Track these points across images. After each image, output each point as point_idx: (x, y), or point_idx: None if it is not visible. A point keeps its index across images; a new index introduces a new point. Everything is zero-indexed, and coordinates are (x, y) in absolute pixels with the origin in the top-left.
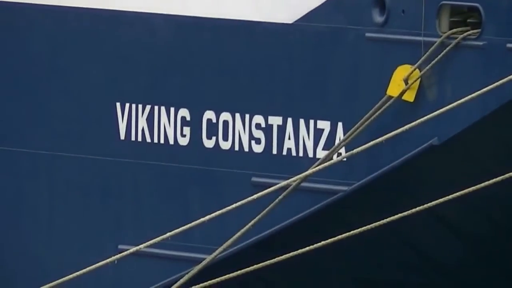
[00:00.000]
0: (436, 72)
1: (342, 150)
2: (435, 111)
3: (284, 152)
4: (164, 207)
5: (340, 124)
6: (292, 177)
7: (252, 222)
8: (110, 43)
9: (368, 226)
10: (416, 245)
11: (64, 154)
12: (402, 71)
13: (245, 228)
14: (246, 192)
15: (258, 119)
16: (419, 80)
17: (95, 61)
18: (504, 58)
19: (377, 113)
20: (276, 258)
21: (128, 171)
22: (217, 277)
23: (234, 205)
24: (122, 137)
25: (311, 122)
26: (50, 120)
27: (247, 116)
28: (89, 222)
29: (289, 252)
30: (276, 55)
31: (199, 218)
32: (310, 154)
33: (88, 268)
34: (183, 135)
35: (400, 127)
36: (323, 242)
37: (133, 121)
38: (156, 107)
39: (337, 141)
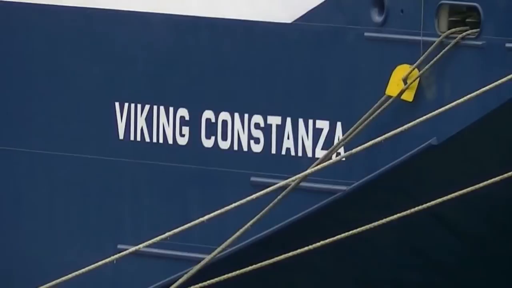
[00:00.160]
0: (435, 72)
1: (341, 150)
2: (434, 110)
3: (283, 152)
4: (163, 207)
5: (339, 124)
6: (291, 177)
7: (251, 222)
8: (108, 42)
9: (367, 226)
10: (415, 245)
11: (63, 154)
12: (401, 71)
13: (244, 228)
14: (245, 192)
15: (257, 118)
16: (418, 79)
17: (93, 61)
18: (503, 57)
19: (376, 113)
20: (275, 258)
21: (127, 171)
22: (216, 277)
23: (233, 205)
24: (121, 136)
25: (310, 121)
26: (49, 120)
27: (246, 115)
28: (88, 221)
29: (288, 252)
30: (275, 55)
31: (198, 218)
32: (309, 154)
33: (87, 268)
34: (182, 135)
35: (399, 126)
36: (322, 242)
37: (132, 120)
38: (155, 107)
39: (336, 141)
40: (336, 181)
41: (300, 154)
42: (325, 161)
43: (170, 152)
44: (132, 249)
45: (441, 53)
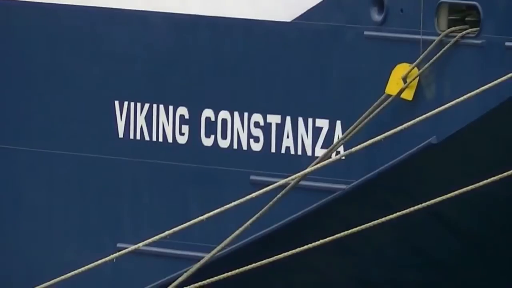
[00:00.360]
0: (434, 71)
1: (341, 149)
2: (434, 109)
3: (283, 151)
4: (163, 206)
5: (338, 123)
6: (290, 176)
7: (251, 220)
8: (108, 41)
9: (367, 225)
10: (414, 244)
11: (62, 153)
12: (400, 70)
13: (243, 227)
14: (245, 191)
15: (257, 117)
16: (417, 78)
17: (93, 60)
18: (503, 56)
19: (375, 112)
20: (275, 257)
21: (126, 170)
22: (216, 276)
23: (232, 204)
24: (121, 135)
25: (310, 120)
26: (49, 119)
27: (245, 114)
28: (88, 220)
29: (288, 251)
30: (275, 54)
31: (198, 217)
32: (309, 153)
33: (87, 266)
34: (181, 134)
35: (399, 125)
36: (321, 241)
37: (132, 119)
38: (154, 106)
39: (335, 140)
40: (336, 180)
41: (299, 152)
42: (324, 160)
43: (170, 150)
44: (132, 247)
45: (440, 51)
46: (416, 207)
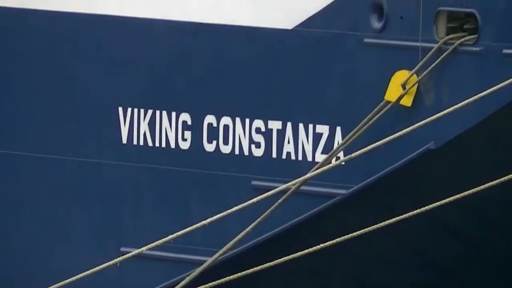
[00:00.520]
0: (433, 77)
1: (341, 154)
2: (432, 115)
3: (284, 156)
4: (166, 210)
5: (338, 129)
6: (291, 181)
7: (252, 225)
8: (112, 48)
9: (367, 229)
10: (414, 247)
11: (66, 158)
12: (400, 76)
13: (245, 231)
14: (246, 195)
15: (258, 123)
16: (416, 85)
17: (97, 66)
18: (501, 63)
19: (375, 118)
20: (276, 261)
21: (130, 175)
22: (218, 279)
23: (234, 208)
24: (124, 141)
25: (310, 126)
26: (54, 124)
27: (247, 120)
28: (92, 225)
29: (289, 255)
30: (276, 60)
31: (200, 221)
32: (309, 158)
33: (91, 270)
34: (184, 139)
35: (398, 131)
36: (322, 245)
37: (135, 125)
38: (157, 112)
39: (335, 145)
40: (336, 185)
41: (300, 158)
42: (324, 165)
43: (173, 156)
44: (135, 252)
45: (439, 58)
46: (415, 211)
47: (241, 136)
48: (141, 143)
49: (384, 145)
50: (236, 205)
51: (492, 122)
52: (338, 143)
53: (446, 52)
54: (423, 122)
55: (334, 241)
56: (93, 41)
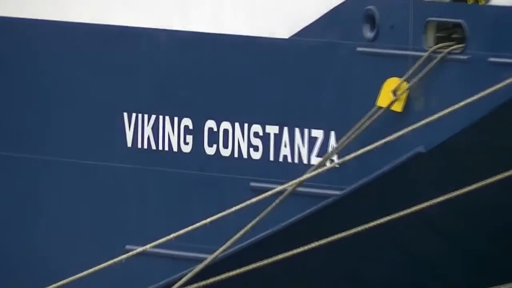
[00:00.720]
0: (423, 84)
1: (335, 157)
2: (422, 120)
3: (281, 159)
4: (169, 210)
5: (332, 133)
6: (288, 182)
7: (251, 224)
8: (117, 57)
9: (359, 228)
10: (403, 246)
11: (74, 161)
12: (391, 83)
13: (244, 230)
14: (245, 196)
15: (256, 128)
16: (407, 91)
17: (104, 74)
18: (487, 71)
19: (367, 123)
20: (273, 258)
21: (134, 176)
22: (218, 275)
23: (233, 208)
24: (129, 144)
25: (306, 130)
26: (64, 129)
27: (245, 125)
28: (99, 223)
29: (285, 252)
30: (273, 68)
31: (201, 220)
32: (305, 161)
33: (98, 267)
34: (186, 143)
35: (389, 135)
36: (316, 243)
37: (139, 129)
38: (160, 117)
39: (330, 149)
40: (330, 186)
41: (296, 161)
42: (319, 168)
43: (175, 159)
44: (140, 249)
45: (428, 66)
46: (405, 211)
47: (240, 140)
48: (145, 146)
49: (376, 149)
50: (236, 205)
51: (479, 126)
52: (332, 147)
53: (435, 60)
54: (413, 126)
55: (328, 239)
56: (101, 51)
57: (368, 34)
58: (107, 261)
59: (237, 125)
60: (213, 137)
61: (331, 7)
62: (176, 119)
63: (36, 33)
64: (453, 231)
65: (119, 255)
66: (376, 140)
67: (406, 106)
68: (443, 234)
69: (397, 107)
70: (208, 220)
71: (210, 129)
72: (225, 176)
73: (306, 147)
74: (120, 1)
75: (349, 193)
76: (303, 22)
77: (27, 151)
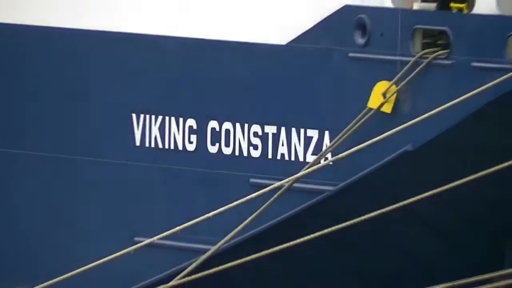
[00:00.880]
0: (410, 87)
1: (329, 155)
2: (410, 121)
3: (278, 157)
4: (174, 204)
5: (327, 133)
6: (285, 179)
7: (251, 217)
8: (126, 62)
9: (352, 221)
10: (392, 238)
11: (84, 158)
12: (381, 86)
13: (244, 223)
14: (245, 192)
15: (256, 128)
16: (395, 94)
17: (114, 78)
18: (470, 75)
19: (359, 123)
20: (271, 249)
21: (142, 173)
22: (220, 265)
23: (235, 203)
24: (138, 143)
25: (302, 130)
26: (75, 129)
27: (246, 125)
28: (109, 217)
29: (283, 244)
30: (271, 72)
31: (205, 214)
32: (301, 158)
33: (108, 257)
34: (190, 142)
35: (379, 135)
36: (311, 235)
37: (147, 129)
38: (167, 118)
39: (324, 147)
40: (325, 182)
41: (293, 158)
42: (314, 165)
43: (180, 157)
44: (147, 241)
45: (415, 71)
46: (394, 206)
47: (241, 139)
48: (152, 145)
49: (367, 147)
50: (237, 200)
51: (463, 126)
52: (326, 145)
53: (422, 65)
54: (402, 127)
55: (323, 232)
56: (111, 56)
57: (360, 40)
58: (117, 252)
59: (238, 125)
60: (216, 137)
61: (325, 16)
62: (181, 119)
63: (52, 39)
64: (441, 224)
65: (128, 247)
66: (367, 139)
67: (395, 108)
68: (431, 227)
69: (387, 109)
70: (211, 213)
71: (213, 129)
72: (227, 173)
73: (302, 146)
74: (130, 9)
75: (342, 188)
76: (298, 30)
77: (43, 150)
